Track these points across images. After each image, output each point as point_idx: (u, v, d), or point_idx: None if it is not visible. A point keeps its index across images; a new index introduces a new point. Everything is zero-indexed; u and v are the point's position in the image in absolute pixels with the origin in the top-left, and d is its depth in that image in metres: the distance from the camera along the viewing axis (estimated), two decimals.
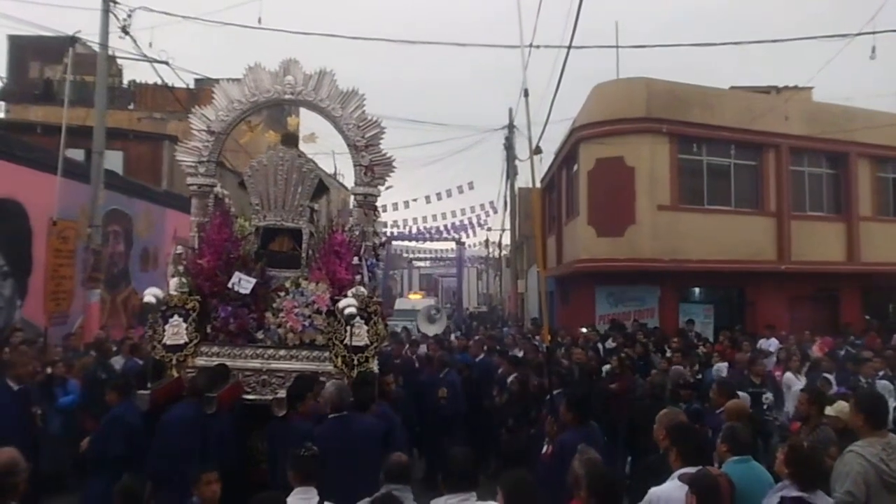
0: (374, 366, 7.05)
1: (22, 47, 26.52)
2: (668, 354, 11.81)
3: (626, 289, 19.06)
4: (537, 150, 13.29)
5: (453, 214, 35.71)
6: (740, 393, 8.20)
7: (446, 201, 32.45)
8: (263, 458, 6.21)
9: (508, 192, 28.93)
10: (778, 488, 4.30)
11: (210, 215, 7.41)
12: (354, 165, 7.55)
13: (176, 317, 6.76)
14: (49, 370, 9.01)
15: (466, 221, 36.33)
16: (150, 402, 6.15)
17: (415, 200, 32.04)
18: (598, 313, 18.79)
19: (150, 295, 6.66)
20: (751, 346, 13.05)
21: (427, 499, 4.35)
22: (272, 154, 7.54)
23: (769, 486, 4.52)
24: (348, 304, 6.53)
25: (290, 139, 7.77)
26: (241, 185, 7.79)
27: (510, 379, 10.12)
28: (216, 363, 6.60)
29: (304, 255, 7.40)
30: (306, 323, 6.88)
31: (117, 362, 9.95)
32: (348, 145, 7.56)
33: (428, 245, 47.76)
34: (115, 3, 14.25)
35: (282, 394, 6.37)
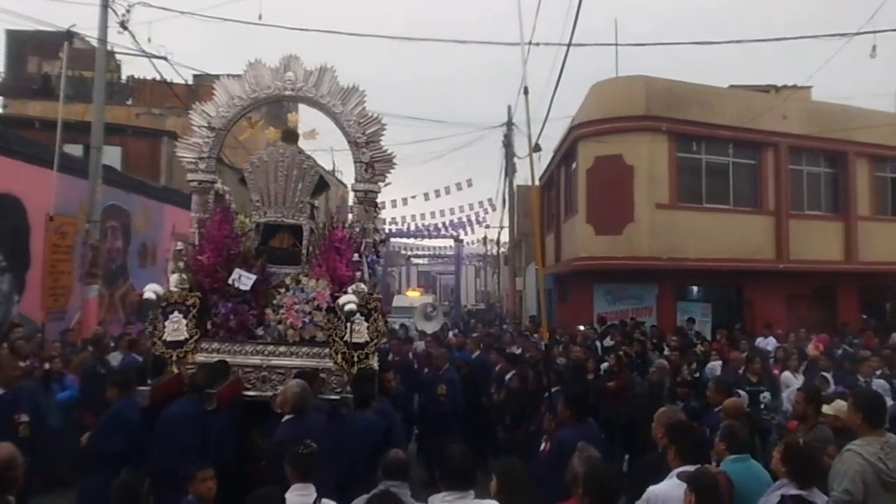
0: (374, 362, 7.06)
1: (20, 42, 26.48)
2: (666, 353, 11.82)
3: (624, 287, 19.07)
4: (536, 148, 13.28)
5: (452, 212, 35.72)
6: (740, 392, 8.22)
7: (445, 198, 32.47)
8: (263, 455, 6.21)
9: (507, 190, 28.93)
10: (777, 486, 4.31)
11: (210, 212, 7.40)
12: (355, 162, 7.54)
13: (176, 313, 6.75)
14: (47, 366, 9.01)
15: (465, 219, 36.34)
16: (150, 398, 6.14)
17: (413, 197, 32.03)
18: (597, 311, 18.78)
19: (151, 291, 6.66)
20: (749, 345, 13.08)
21: (425, 495, 4.36)
22: (272, 150, 7.53)
23: (767, 484, 4.53)
24: (348, 300, 6.52)
25: (291, 135, 7.76)
26: (241, 181, 7.77)
27: (508, 376, 10.13)
28: (216, 359, 6.60)
29: (304, 251, 7.39)
30: (306, 319, 6.88)
31: (115, 358, 9.94)
32: (349, 142, 7.55)
33: (426, 242, 47.80)
34: None
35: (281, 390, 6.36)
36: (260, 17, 14.32)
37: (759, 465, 4.87)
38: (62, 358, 9.65)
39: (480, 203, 35.11)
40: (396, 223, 35.96)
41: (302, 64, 7.52)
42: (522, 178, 29.24)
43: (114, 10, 14.23)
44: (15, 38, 26.28)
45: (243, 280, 6.87)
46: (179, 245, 7.35)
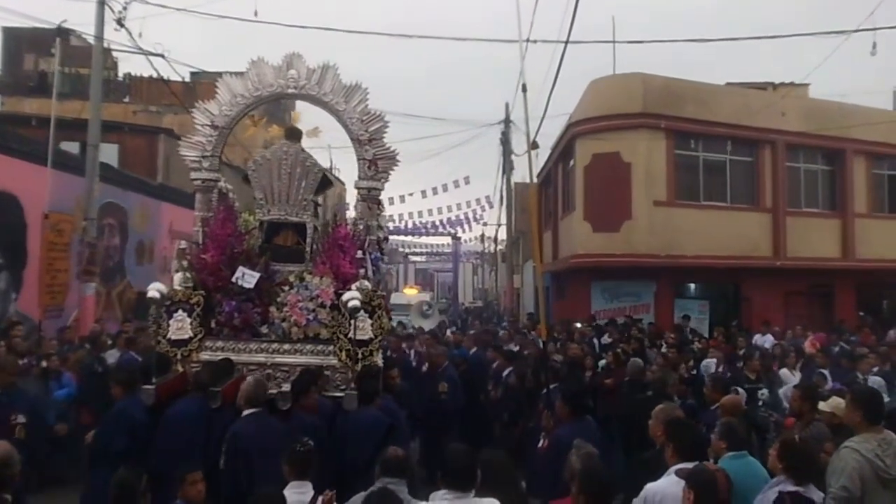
0: (379, 359, 7.06)
1: (17, 39, 26.45)
2: (664, 350, 11.83)
3: (621, 284, 19.08)
4: (534, 145, 13.27)
5: (449, 209, 35.69)
6: (739, 389, 8.23)
7: (442, 196, 32.38)
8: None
9: (504, 187, 28.94)
10: (774, 483, 4.32)
11: (214, 210, 7.38)
12: (358, 159, 7.52)
13: (180, 311, 6.73)
14: (44, 364, 8.98)
15: (462, 216, 36.33)
16: (155, 396, 6.14)
17: (411, 195, 32.00)
18: (594, 308, 18.80)
19: (155, 290, 6.65)
20: (746, 342, 13.10)
21: (426, 493, 4.36)
22: (276, 149, 7.52)
23: (765, 481, 4.54)
24: (352, 297, 6.51)
25: (294, 133, 7.75)
26: (245, 179, 7.76)
27: (506, 373, 10.14)
28: (220, 357, 6.59)
29: (308, 249, 7.39)
30: (310, 317, 6.87)
31: (112, 355, 9.92)
32: (352, 139, 7.54)
33: (424, 240, 47.72)
34: None
35: (286, 388, 6.35)
36: (256, 14, 14.28)
37: (756, 461, 4.88)
38: (59, 356, 9.64)
39: (478, 200, 35.12)
40: (394, 221, 35.87)
41: (304, 62, 7.50)
42: (520, 175, 29.29)
43: (110, 7, 14.19)
44: (11, 35, 26.24)
45: (247, 278, 6.87)
46: (183, 244, 7.35)
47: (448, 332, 16.63)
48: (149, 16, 15.00)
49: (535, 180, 11.29)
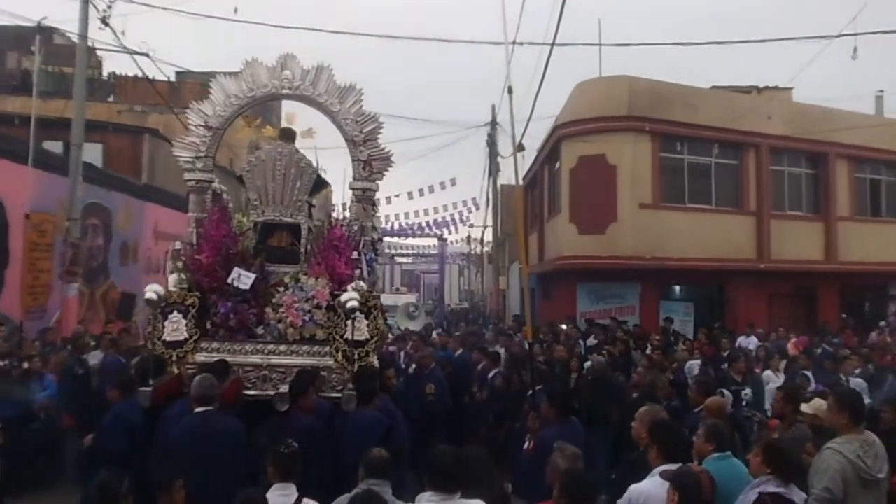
0: (375, 360, 7.05)
1: None
2: (649, 352, 11.88)
3: (607, 286, 19.15)
4: (520, 148, 13.31)
5: (435, 211, 35.70)
6: (724, 392, 8.28)
7: (428, 197, 32.35)
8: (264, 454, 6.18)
9: (491, 189, 28.95)
10: (755, 483, 4.34)
11: (208, 211, 7.34)
12: (353, 160, 7.52)
13: (175, 313, 6.69)
14: (26, 365, 8.90)
15: (448, 218, 36.35)
16: (152, 398, 6.11)
17: (397, 196, 31.96)
18: (580, 310, 18.87)
19: (152, 291, 6.60)
20: (730, 344, 13.19)
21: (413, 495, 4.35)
22: (270, 149, 7.50)
23: (748, 482, 4.56)
24: (350, 297, 6.50)
25: (288, 134, 7.72)
26: (238, 179, 7.74)
27: (491, 374, 10.14)
28: (216, 359, 6.55)
29: (302, 250, 7.37)
30: (306, 318, 6.84)
31: (96, 357, 9.85)
32: (346, 140, 7.53)
33: (410, 241, 47.71)
34: None
35: (283, 389, 6.32)
36: (235, 11, 14.16)
37: (740, 462, 4.90)
38: (41, 357, 9.55)
39: (464, 202, 35.13)
40: (380, 222, 35.84)
41: (299, 62, 7.49)
42: (506, 177, 29.29)
43: (94, 6, 14.08)
44: None
45: (243, 279, 6.84)
46: (178, 245, 7.30)
47: (434, 334, 16.62)
48: (133, 13, 14.85)
49: (520, 182, 11.31)
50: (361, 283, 6.96)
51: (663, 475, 4.15)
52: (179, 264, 7.06)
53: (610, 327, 15.29)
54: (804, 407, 6.29)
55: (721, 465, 4.68)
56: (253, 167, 7.44)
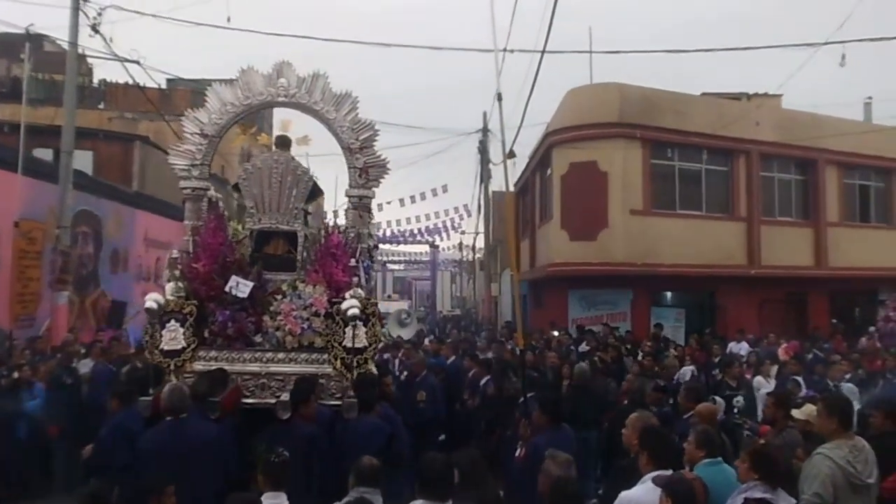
0: (373, 368, 7.04)
1: None
2: (640, 358, 11.90)
3: (598, 292, 19.17)
4: (511, 155, 13.34)
5: (427, 217, 35.69)
6: (716, 398, 8.30)
7: (420, 204, 32.35)
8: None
9: (482, 196, 28.99)
10: (742, 489, 4.34)
11: (204, 219, 7.33)
12: (349, 168, 7.52)
13: (173, 322, 6.65)
14: (16, 374, 8.83)
15: (440, 225, 36.36)
16: (152, 408, 6.09)
17: (388, 203, 31.93)
18: (571, 317, 18.88)
19: (152, 300, 6.58)
20: (721, 350, 13.22)
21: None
22: (267, 157, 7.50)
23: (739, 488, 4.57)
24: (352, 305, 6.50)
25: (284, 142, 7.72)
26: (234, 187, 7.72)
27: (483, 381, 10.13)
28: (215, 367, 6.53)
29: (299, 257, 7.36)
30: (305, 326, 6.83)
31: (86, 365, 9.80)
32: (342, 148, 7.53)
33: (402, 248, 47.70)
34: (85, 0, 14.04)
35: (283, 397, 6.30)
36: (228, 20, 14.16)
37: (731, 468, 4.91)
38: (30, 365, 9.50)
39: (456, 209, 35.18)
40: (377, 229, 35.82)
41: (294, 70, 7.49)
42: (498, 184, 29.35)
43: (85, 13, 14.06)
44: None
45: (241, 287, 6.82)
46: (175, 253, 7.27)
47: (426, 341, 16.61)
48: (122, 20, 14.72)
49: (511, 189, 11.33)
50: (359, 291, 6.96)
51: (656, 481, 4.15)
52: (176, 272, 7.03)
53: (601, 334, 15.31)
54: (796, 412, 6.31)
55: (712, 472, 4.69)
56: (249, 175, 7.43)
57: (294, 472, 4.88)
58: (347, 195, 7.68)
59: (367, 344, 6.82)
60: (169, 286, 6.97)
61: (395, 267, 59.34)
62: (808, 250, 20.41)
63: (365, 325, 6.81)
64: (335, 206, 18.91)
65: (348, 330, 6.63)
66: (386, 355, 12.34)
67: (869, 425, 6.00)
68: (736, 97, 22.76)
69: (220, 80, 7.87)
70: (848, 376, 10.29)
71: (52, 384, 9.12)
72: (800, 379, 9.82)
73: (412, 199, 31.88)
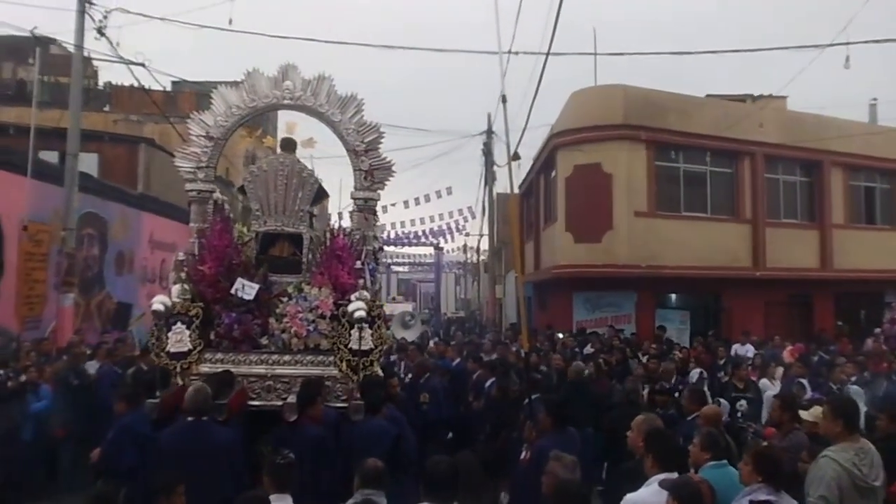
0: (379, 370, 7.05)
1: None
2: (644, 360, 11.88)
3: (603, 295, 19.15)
4: (515, 157, 13.33)
5: (432, 219, 35.70)
6: (721, 400, 8.29)
7: (424, 206, 32.35)
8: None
9: (487, 198, 28.98)
10: (746, 492, 4.33)
11: (209, 221, 7.35)
12: (354, 170, 7.55)
13: (179, 324, 6.69)
14: (23, 378, 8.85)
15: (445, 227, 36.34)
16: (159, 410, 6.10)
17: (393, 205, 31.99)
18: (576, 319, 18.87)
19: (159, 302, 6.61)
20: (726, 352, 13.19)
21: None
22: (272, 159, 7.53)
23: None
24: (358, 307, 6.52)
25: (289, 144, 7.74)
26: (240, 189, 7.75)
27: (488, 383, 10.12)
28: (221, 370, 6.55)
29: (304, 259, 7.37)
30: (310, 328, 6.86)
31: (92, 367, 9.83)
32: (347, 150, 7.55)
33: (406, 250, 47.69)
34: (91, 3, 14.09)
35: (290, 399, 6.31)
36: (230, 23, 14.19)
37: (736, 471, 4.91)
38: (36, 367, 9.52)
39: (460, 211, 35.14)
40: (382, 231, 35.78)
41: (299, 73, 7.51)
42: (502, 186, 29.35)
43: (90, 16, 14.10)
44: None
45: (246, 290, 6.84)
46: (181, 255, 7.30)
47: (431, 343, 16.59)
48: (128, 24, 14.80)
49: (515, 191, 11.33)
50: (365, 293, 6.97)
51: (662, 485, 4.15)
52: (182, 275, 7.06)
53: (606, 336, 15.29)
54: (804, 414, 6.29)
55: (717, 474, 4.68)
56: (255, 177, 7.46)
57: (301, 475, 4.89)
58: (353, 197, 7.71)
59: (372, 346, 6.84)
60: (175, 288, 7.00)
61: (400, 269, 59.34)
62: (813, 252, 20.36)
63: (371, 328, 6.84)
64: (340, 208, 18.98)
65: (354, 332, 6.67)
66: (393, 357, 12.35)
67: (875, 428, 5.99)
68: (740, 99, 22.72)
69: (226, 83, 7.90)
70: (854, 378, 10.26)
71: (59, 386, 9.14)
72: (804, 381, 9.80)
73: (417, 201, 31.89)
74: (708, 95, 22.09)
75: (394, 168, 7.70)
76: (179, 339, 6.68)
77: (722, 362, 12.23)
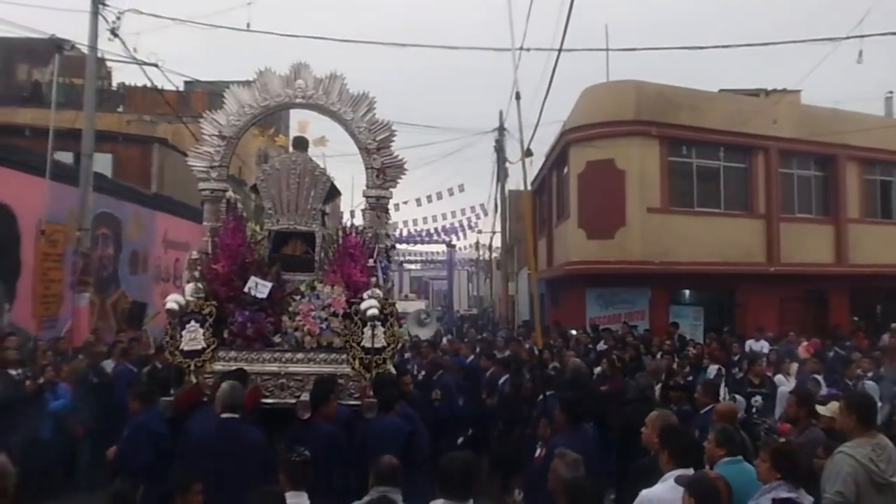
0: (391, 368, 7.07)
1: (10, 49, 26.40)
2: (658, 356, 11.84)
3: (616, 291, 19.09)
4: (528, 153, 13.29)
5: (444, 217, 35.61)
6: (736, 397, 8.25)
7: (437, 204, 32.29)
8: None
9: (499, 195, 28.93)
10: (766, 489, 4.32)
11: (222, 220, 7.38)
12: (366, 168, 7.56)
13: (193, 322, 6.72)
14: (41, 380, 8.91)
15: (457, 224, 36.26)
16: (175, 408, 6.15)
17: (405, 203, 31.90)
18: (589, 315, 18.82)
19: (173, 301, 6.65)
20: (740, 349, 13.13)
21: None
22: (285, 158, 7.55)
23: (760, 487, 4.54)
24: (371, 305, 6.54)
25: (301, 143, 7.76)
26: (252, 188, 7.78)
27: (501, 380, 10.13)
28: (234, 368, 6.58)
29: (317, 258, 7.40)
30: (323, 326, 6.88)
31: (108, 366, 9.90)
32: (360, 148, 7.57)
33: (419, 248, 47.75)
34: (104, 5, 14.18)
35: (303, 397, 6.34)
36: (248, 26, 14.28)
37: (752, 467, 4.89)
38: (53, 366, 9.60)
39: (472, 208, 35.05)
40: (394, 229, 35.80)
41: (311, 71, 7.53)
42: (514, 182, 29.27)
43: (104, 17, 14.19)
44: (4, 45, 26.19)
45: (260, 288, 6.87)
46: (195, 254, 7.34)
47: (444, 340, 16.63)
48: (142, 31, 14.92)
49: (528, 188, 11.32)
50: (377, 291, 6.98)
51: (679, 481, 4.14)
52: (196, 273, 7.10)
53: (620, 332, 15.25)
54: (822, 409, 6.25)
55: (733, 470, 4.67)
56: (267, 176, 7.49)
57: (314, 472, 4.92)
58: (365, 196, 7.72)
59: (385, 344, 6.85)
60: (189, 287, 7.04)
61: (412, 267, 59.44)
62: (828, 247, 20.21)
63: (383, 326, 6.85)
64: (352, 206, 19.01)
65: (367, 330, 6.68)
66: (407, 355, 12.38)
67: (892, 424, 5.94)
68: (754, 93, 22.57)
69: (238, 82, 7.92)
70: (870, 374, 10.19)
71: (78, 384, 9.21)
72: (819, 377, 9.74)
73: (429, 198, 31.84)
74: (721, 90, 21.96)
75: (406, 166, 7.71)
76: (193, 337, 6.71)
77: (736, 358, 12.17)
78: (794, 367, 11.12)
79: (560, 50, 10.53)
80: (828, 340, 14.85)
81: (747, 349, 13.47)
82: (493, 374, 10.58)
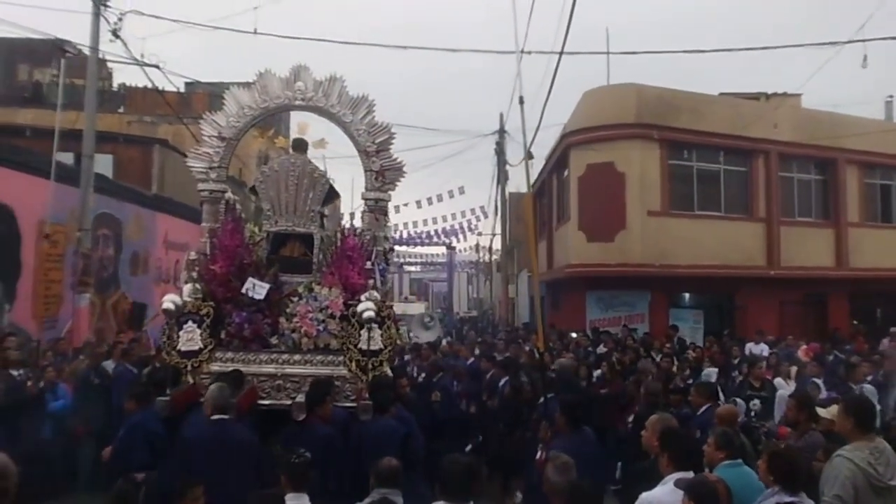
0: (388, 370, 7.08)
1: (11, 50, 26.44)
2: (658, 359, 11.84)
3: (616, 294, 19.11)
4: (529, 156, 13.28)
5: (444, 219, 35.67)
6: (737, 400, 8.25)
7: (437, 206, 32.33)
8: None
9: (499, 197, 28.95)
10: (768, 494, 4.32)
11: (221, 221, 7.39)
12: (365, 171, 7.58)
13: (190, 323, 6.73)
14: (41, 384, 8.91)
15: (457, 226, 36.30)
16: (170, 408, 6.15)
17: (405, 205, 31.95)
18: (589, 318, 18.83)
19: (170, 301, 6.65)
20: (740, 352, 13.13)
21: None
22: (284, 160, 7.57)
23: (759, 490, 4.54)
24: (367, 307, 6.54)
25: (301, 144, 7.77)
26: (251, 189, 7.80)
27: (502, 382, 10.13)
28: (231, 369, 6.59)
29: (315, 260, 7.40)
30: (320, 328, 6.89)
31: (108, 367, 9.90)
32: (359, 151, 7.59)
33: (419, 250, 47.73)
34: (106, 6, 14.20)
35: (299, 398, 6.34)
36: (255, 31, 14.31)
37: (751, 470, 4.89)
38: (54, 366, 9.60)
39: (472, 210, 35.09)
40: (392, 231, 35.80)
41: (311, 73, 7.54)
42: (514, 185, 29.29)
43: (105, 19, 14.20)
44: (5, 45, 26.24)
45: (257, 289, 6.88)
46: (193, 255, 7.35)
47: (444, 342, 16.62)
48: (149, 35, 14.94)
49: (530, 190, 11.34)
50: (375, 293, 6.99)
51: (678, 484, 4.14)
52: (194, 274, 7.11)
53: (619, 335, 15.26)
54: (823, 412, 6.24)
55: (733, 473, 4.66)
56: (266, 177, 7.50)
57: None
58: (363, 198, 7.73)
59: (382, 346, 6.86)
60: (186, 288, 7.05)
61: (412, 269, 59.39)
62: (828, 251, 20.22)
63: (380, 328, 6.86)
64: (351, 208, 19.01)
65: (363, 332, 6.70)
66: (407, 357, 12.37)
67: (891, 427, 5.94)
68: (754, 97, 22.61)
69: (238, 84, 7.94)
70: (869, 378, 10.18)
71: (80, 385, 9.21)
72: (819, 381, 9.74)
73: (429, 200, 31.87)
74: (721, 94, 21.98)
75: (405, 169, 7.72)
76: (190, 337, 6.72)
77: (736, 362, 12.17)
78: (794, 370, 11.13)
79: (561, 53, 10.53)
80: (827, 344, 14.84)
81: (747, 352, 13.48)
82: (494, 377, 10.58)
